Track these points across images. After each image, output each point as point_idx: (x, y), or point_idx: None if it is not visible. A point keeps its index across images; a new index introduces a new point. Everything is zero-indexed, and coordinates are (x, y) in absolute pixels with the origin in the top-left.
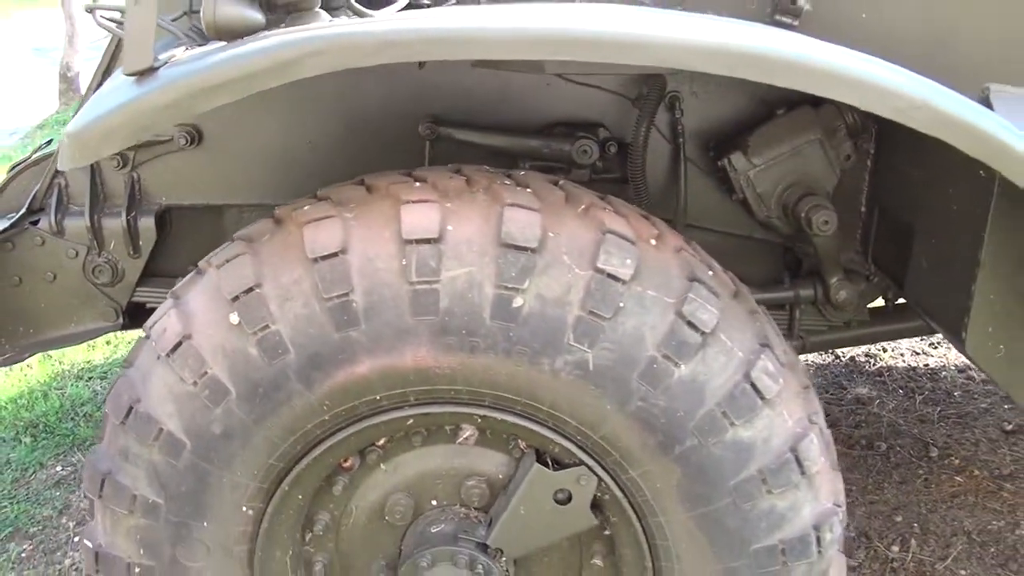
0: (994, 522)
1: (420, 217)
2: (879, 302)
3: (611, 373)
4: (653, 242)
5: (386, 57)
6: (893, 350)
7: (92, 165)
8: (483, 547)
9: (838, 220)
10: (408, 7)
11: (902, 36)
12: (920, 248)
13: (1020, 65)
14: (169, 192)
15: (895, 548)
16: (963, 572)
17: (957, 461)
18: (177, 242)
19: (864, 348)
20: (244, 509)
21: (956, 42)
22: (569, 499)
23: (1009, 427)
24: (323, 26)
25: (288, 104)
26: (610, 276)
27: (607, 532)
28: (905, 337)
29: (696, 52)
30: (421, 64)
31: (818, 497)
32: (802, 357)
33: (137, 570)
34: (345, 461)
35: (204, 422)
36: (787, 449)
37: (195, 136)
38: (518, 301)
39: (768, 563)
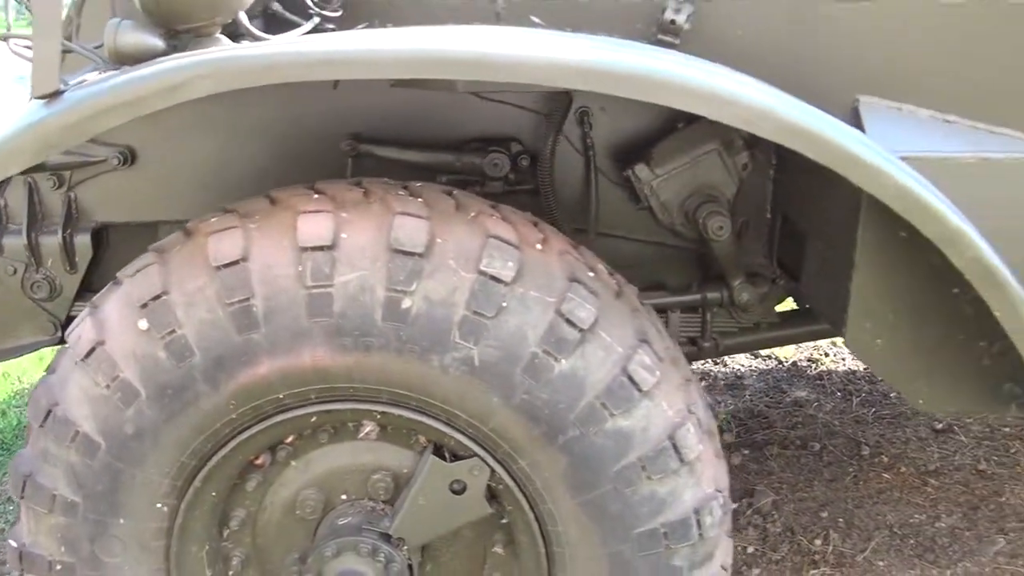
0: (916, 516)
1: (315, 226)
2: (793, 305)
3: (496, 368)
4: (538, 246)
5: (268, 78)
6: (835, 355)
7: (30, 185)
8: (386, 537)
9: (750, 226)
10: (315, 31)
11: (776, 53)
12: (811, 251)
13: (885, 79)
14: (104, 210)
15: (818, 542)
16: (881, 563)
17: (887, 459)
18: (113, 258)
19: (806, 353)
20: (158, 506)
21: (827, 58)
22: (464, 489)
23: (939, 426)
24: (215, 50)
25: (220, 124)
26: (493, 278)
27: (505, 520)
28: (817, 339)
29: (543, 68)
30: (335, 84)
31: (699, 483)
32: (743, 361)
33: (58, 567)
34: (257, 459)
35: (117, 423)
36: (665, 438)
37: (128, 156)
38: (407, 303)
39: (651, 546)
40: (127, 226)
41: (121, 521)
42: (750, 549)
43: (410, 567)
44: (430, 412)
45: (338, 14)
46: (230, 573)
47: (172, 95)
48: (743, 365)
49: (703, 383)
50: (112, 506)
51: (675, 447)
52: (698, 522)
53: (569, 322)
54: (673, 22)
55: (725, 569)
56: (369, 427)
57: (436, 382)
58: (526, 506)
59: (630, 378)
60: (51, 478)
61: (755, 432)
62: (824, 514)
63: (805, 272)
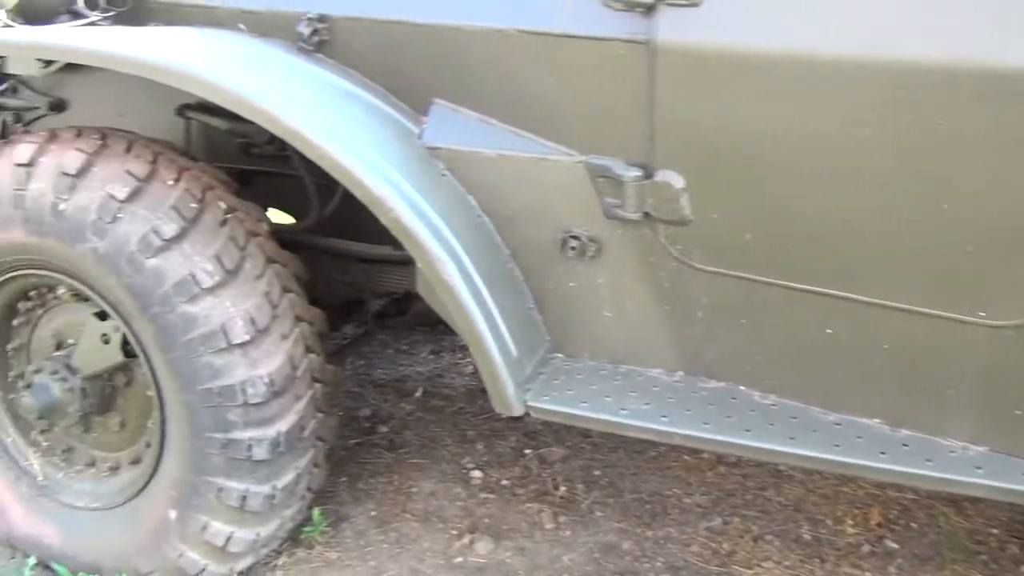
0: (674, 490)
1: (23, 151)
2: None
3: (110, 258)
4: (169, 182)
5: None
6: None
7: (4, 121)
8: (69, 367)
9: None
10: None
11: (383, 64)
12: None
13: (453, 92)
14: None
15: (563, 488)
16: (599, 513)
17: None
18: None
19: None
20: None
21: (413, 73)
22: (109, 341)
23: None
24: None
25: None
26: (112, 197)
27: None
28: None
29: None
30: None
31: (253, 365)
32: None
33: None
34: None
35: None
36: (219, 325)
37: (59, 104)
38: (63, 206)
39: (209, 401)
40: None
41: None
42: (504, 481)
43: (83, 390)
44: (87, 284)
45: (111, 13)
46: None
47: None
48: None
49: None
50: None
51: (224, 333)
52: (243, 391)
53: (157, 234)
54: (302, 35)
55: (280, 433)
56: (63, 290)
57: (80, 263)
58: (143, 358)
59: (194, 278)
60: None
61: None
62: (598, 472)
63: None
